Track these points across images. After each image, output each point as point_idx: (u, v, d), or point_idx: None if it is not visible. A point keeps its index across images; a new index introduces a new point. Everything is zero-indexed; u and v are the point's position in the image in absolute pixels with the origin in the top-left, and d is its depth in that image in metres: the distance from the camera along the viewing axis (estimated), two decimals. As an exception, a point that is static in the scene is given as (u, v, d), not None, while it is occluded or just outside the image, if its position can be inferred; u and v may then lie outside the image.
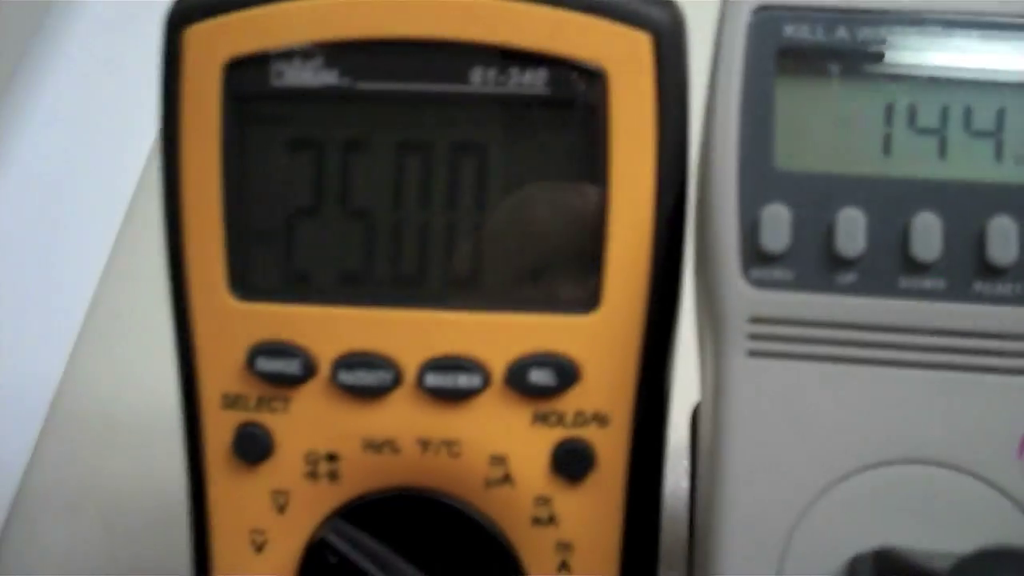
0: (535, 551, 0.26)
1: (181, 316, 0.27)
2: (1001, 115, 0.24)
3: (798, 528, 0.23)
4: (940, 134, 0.24)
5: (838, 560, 0.23)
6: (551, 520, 0.26)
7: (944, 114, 0.24)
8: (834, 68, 0.24)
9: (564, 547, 0.26)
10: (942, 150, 0.24)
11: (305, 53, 0.25)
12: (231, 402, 0.27)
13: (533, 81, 0.25)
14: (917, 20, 0.24)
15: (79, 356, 0.42)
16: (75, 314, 0.43)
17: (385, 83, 0.25)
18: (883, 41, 0.24)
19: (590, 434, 0.26)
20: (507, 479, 0.26)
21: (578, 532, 0.26)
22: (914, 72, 0.24)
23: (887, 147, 0.24)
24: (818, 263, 0.23)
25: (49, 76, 0.49)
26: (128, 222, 0.46)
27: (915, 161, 0.24)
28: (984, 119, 0.24)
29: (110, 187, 0.47)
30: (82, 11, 0.51)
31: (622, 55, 0.25)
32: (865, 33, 0.24)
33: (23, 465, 0.40)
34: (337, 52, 0.25)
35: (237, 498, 0.27)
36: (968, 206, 0.23)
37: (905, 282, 0.23)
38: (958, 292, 0.23)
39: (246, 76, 0.26)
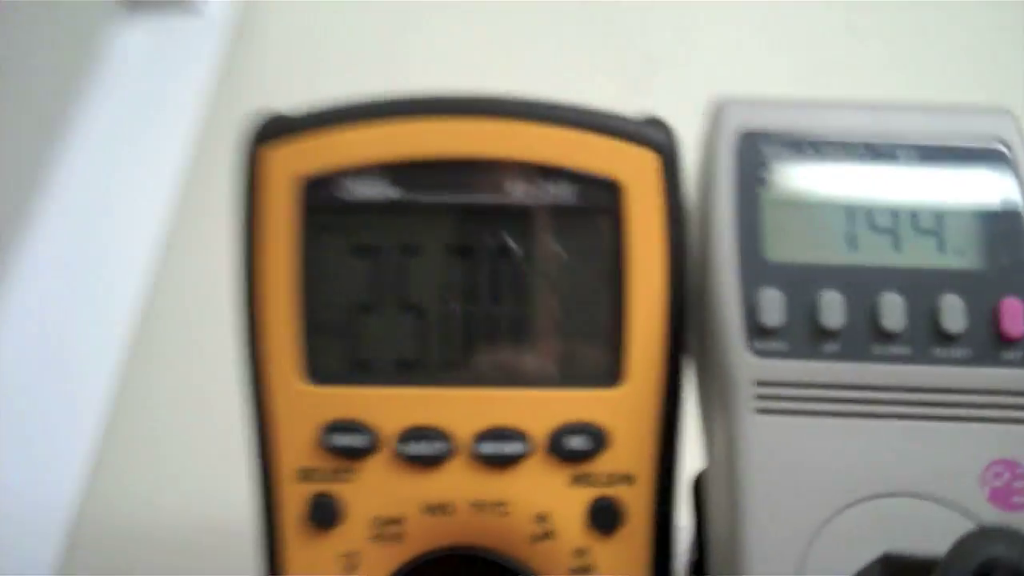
0: (574, 597, 0.30)
1: (257, 400, 0.31)
2: (940, 218, 0.30)
3: (809, 552, 0.28)
4: (893, 232, 0.30)
5: (846, 572, 0.27)
6: (588, 570, 0.30)
7: (895, 216, 0.30)
8: (806, 179, 0.30)
9: (599, 592, 0.30)
10: (896, 244, 0.30)
11: (368, 171, 0.30)
12: (305, 475, 0.30)
13: (561, 192, 0.30)
14: (871, 144, 0.30)
15: (100, 474, 0.45)
16: (94, 430, 0.46)
17: (436, 195, 0.30)
18: (844, 161, 0.30)
19: (620, 492, 0.30)
20: (549, 534, 0.30)
21: (611, 578, 0.30)
22: (869, 185, 0.30)
23: (853, 244, 0.30)
24: (807, 335, 0.29)
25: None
26: (145, 326, 0.49)
27: (876, 252, 0.29)
28: (927, 220, 0.30)
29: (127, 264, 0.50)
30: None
31: (635, 170, 0.30)
32: (829, 153, 0.30)
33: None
34: (396, 170, 0.30)
35: (310, 562, 0.30)
36: (923, 287, 0.29)
37: (878, 349, 0.29)
38: (920, 356, 0.29)
39: (318, 191, 0.30)
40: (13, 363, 0.47)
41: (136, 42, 0.61)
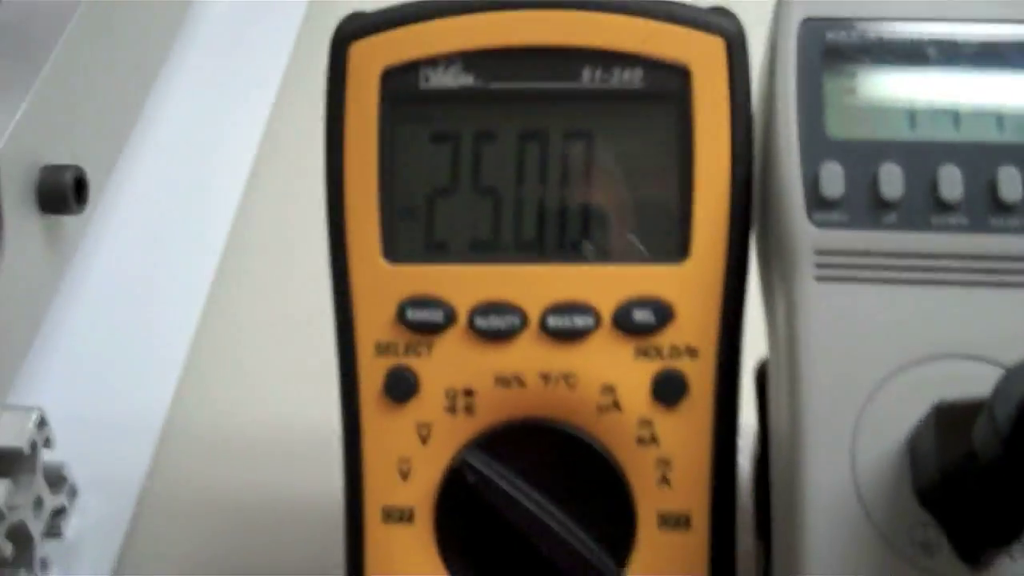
0: (639, 468, 0.31)
1: (341, 279, 0.32)
2: (1001, 97, 0.31)
3: (865, 411, 0.28)
4: (954, 111, 0.31)
5: (901, 431, 0.28)
6: (652, 440, 0.31)
7: (956, 96, 0.31)
8: (867, 61, 0.31)
9: (664, 463, 0.31)
10: (956, 122, 0.30)
11: (447, 60, 0.32)
12: (383, 349, 0.32)
13: (632, 78, 0.31)
14: (929, 23, 0.31)
15: (186, 383, 0.47)
16: (182, 342, 0.48)
17: (510, 83, 0.32)
18: (904, 41, 0.31)
19: (683, 365, 0.31)
20: (615, 405, 0.31)
21: (675, 450, 0.31)
22: (929, 63, 0.31)
23: (912, 121, 0.31)
24: (866, 207, 0.30)
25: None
26: (231, 244, 0.51)
27: (935, 129, 0.30)
28: (989, 97, 0.31)
29: (218, 198, 0.53)
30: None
31: (702, 55, 0.31)
32: (890, 35, 0.31)
33: (141, 481, 0.44)
34: (472, 58, 0.32)
35: (386, 432, 0.32)
36: (981, 159, 0.30)
37: (936, 219, 0.29)
38: (978, 226, 0.29)
39: (399, 81, 0.32)
40: (111, 282, 0.50)
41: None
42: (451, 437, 0.32)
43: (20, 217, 0.41)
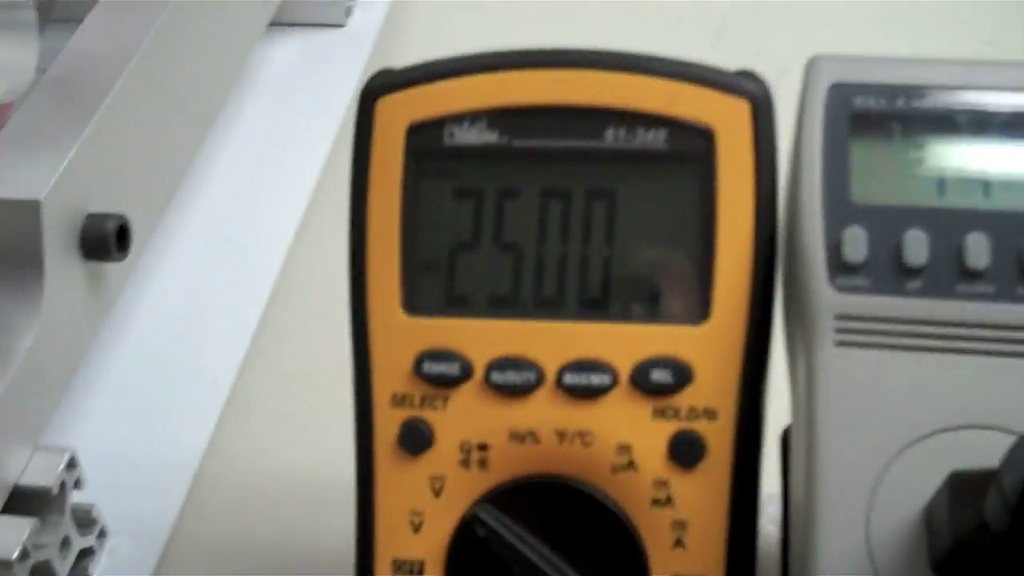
0: (653, 529, 0.31)
1: (360, 330, 0.32)
2: (1033, 165, 0.30)
3: (882, 481, 0.28)
4: (984, 180, 0.30)
5: (919, 501, 0.27)
6: (668, 501, 0.31)
7: (986, 165, 0.30)
8: (896, 128, 0.31)
9: (679, 525, 0.31)
10: (986, 190, 0.30)
11: (472, 117, 0.32)
12: (399, 401, 0.32)
13: (655, 139, 0.31)
14: (959, 89, 0.31)
15: (222, 430, 0.48)
16: (221, 390, 0.49)
17: (534, 141, 0.32)
18: (934, 108, 0.31)
19: (701, 427, 0.31)
20: (631, 465, 0.31)
21: (691, 512, 0.31)
22: (961, 131, 0.30)
23: (941, 188, 0.30)
24: (890, 273, 0.29)
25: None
26: (273, 302, 0.52)
27: (964, 197, 0.30)
28: (1020, 166, 0.30)
29: (266, 249, 0.54)
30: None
31: (727, 118, 0.31)
32: (919, 102, 0.31)
33: (171, 524, 0.45)
34: (497, 116, 0.32)
35: (400, 484, 0.32)
36: (1010, 228, 0.29)
37: (961, 287, 0.29)
38: (1005, 295, 0.29)
39: (424, 137, 0.32)
40: (155, 327, 0.51)
41: (284, 53, 0.66)
42: (464, 491, 0.32)
43: (62, 263, 0.42)
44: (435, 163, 0.32)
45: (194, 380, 0.49)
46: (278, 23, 0.67)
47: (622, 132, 0.32)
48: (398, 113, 0.32)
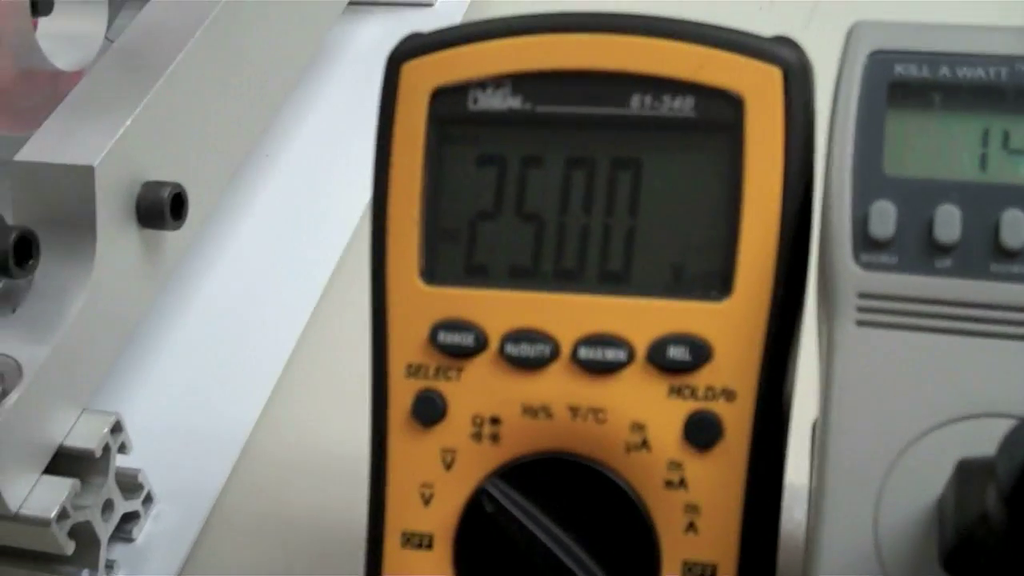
0: (666, 512, 0.30)
1: (379, 299, 0.32)
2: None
3: (894, 469, 0.26)
4: (1027, 153, 0.28)
5: (932, 494, 0.26)
6: (681, 483, 0.30)
7: (1031, 137, 0.28)
8: (936, 98, 0.29)
9: (692, 509, 0.30)
10: (1030, 165, 0.28)
11: (496, 83, 0.31)
12: (414, 371, 0.31)
13: (682, 106, 0.30)
14: (1007, 61, 0.29)
15: (274, 404, 0.48)
16: (276, 364, 0.49)
17: (559, 107, 0.31)
18: (979, 78, 0.29)
19: (719, 407, 0.30)
20: (644, 444, 0.30)
21: (705, 496, 0.29)
22: (1007, 102, 0.29)
23: (983, 164, 0.28)
24: (919, 250, 0.27)
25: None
26: (335, 280, 0.52)
27: (1004, 172, 0.28)
28: (1069, 142, 0.28)
29: (332, 229, 0.54)
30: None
31: (757, 85, 0.30)
32: (964, 71, 0.29)
33: (217, 493, 0.45)
34: (521, 81, 0.31)
35: (411, 455, 0.31)
36: (1052, 205, 0.27)
37: (995, 267, 0.27)
38: (1043, 275, 0.27)
39: (447, 102, 0.32)
40: (214, 298, 0.52)
41: (368, 33, 0.66)
42: (475, 465, 0.31)
43: (116, 229, 0.42)
44: (458, 129, 0.32)
45: (251, 352, 0.50)
46: (363, 2, 0.67)
47: (648, 99, 0.30)
48: (423, 78, 0.32)
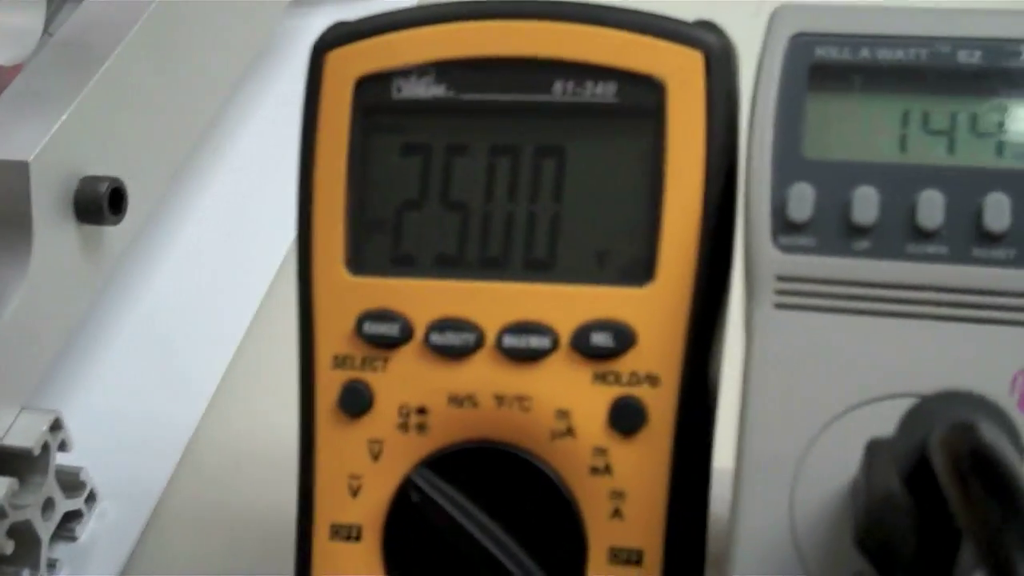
0: (591, 498, 0.30)
1: (305, 290, 0.32)
2: (1002, 120, 0.28)
3: (811, 450, 0.26)
4: (949, 135, 0.28)
5: (847, 474, 0.26)
6: (607, 470, 0.29)
7: (953, 119, 0.28)
8: (857, 80, 0.29)
9: (617, 495, 0.29)
10: (951, 147, 0.28)
11: (420, 71, 0.31)
12: (340, 362, 0.31)
13: (604, 92, 0.30)
14: (927, 42, 0.29)
15: (218, 400, 0.47)
16: (220, 360, 0.49)
17: (483, 95, 0.31)
18: (899, 59, 0.29)
19: (643, 393, 0.29)
20: (569, 431, 0.30)
21: (630, 481, 0.29)
22: (925, 85, 0.28)
23: (903, 145, 0.28)
24: (837, 232, 0.27)
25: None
26: (280, 276, 0.52)
27: (924, 153, 0.28)
28: (988, 123, 0.28)
29: (279, 223, 0.54)
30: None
31: (678, 69, 0.30)
32: (884, 53, 0.29)
33: (161, 490, 0.45)
34: (445, 69, 0.31)
35: (339, 446, 0.31)
36: (968, 185, 0.27)
37: (912, 248, 0.27)
38: (959, 256, 0.27)
39: (372, 91, 0.31)
40: (157, 295, 0.52)
41: (316, 25, 0.65)
42: (403, 455, 0.31)
43: (53, 224, 0.42)
44: (383, 118, 0.32)
45: (195, 348, 0.49)
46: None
47: (571, 85, 0.30)
48: (347, 66, 0.32)
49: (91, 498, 0.43)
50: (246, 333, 0.50)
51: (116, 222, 0.44)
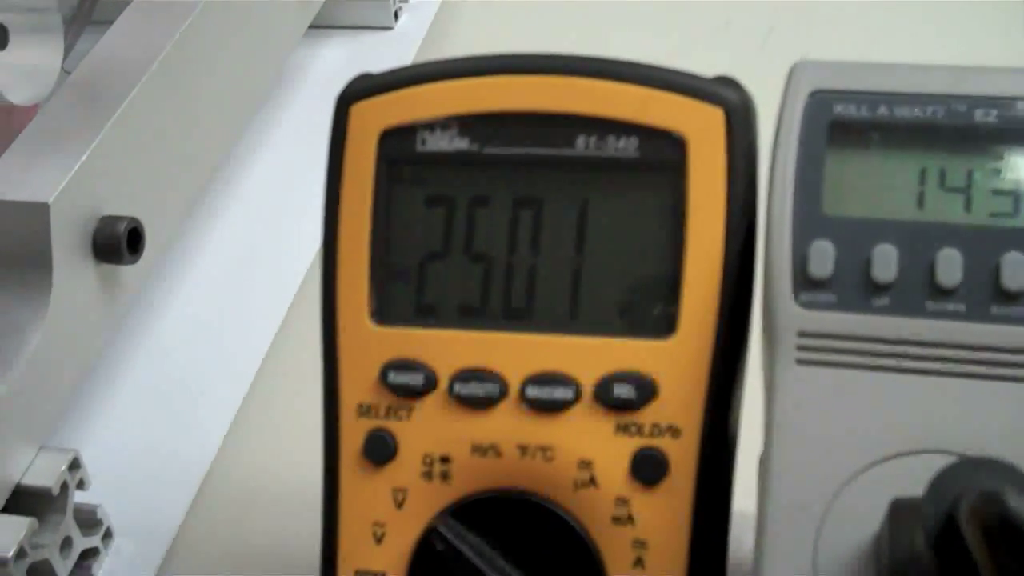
0: (614, 548, 0.30)
1: (329, 339, 0.32)
2: (1018, 178, 0.29)
3: (833, 506, 0.27)
4: (966, 192, 0.29)
5: (869, 532, 0.26)
6: (629, 519, 0.30)
7: (969, 177, 0.29)
8: (875, 138, 0.29)
9: (639, 544, 0.30)
10: (967, 205, 0.29)
11: (443, 124, 0.32)
12: (365, 411, 0.32)
13: (627, 146, 0.31)
14: (944, 100, 0.29)
15: (233, 438, 0.48)
16: (235, 398, 0.49)
17: (506, 148, 0.31)
18: (917, 117, 0.29)
19: (665, 444, 0.30)
20: (592, 481, 0.30)
21: (652, 531, 0.30)
22: (943, 141, 0.29)
23: (920, 202, 0.29)
24: (857, 289, 0.28)
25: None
26: (293, 312, 0.52)
27: (942, 211, 0.28)
28: (1006, 180, 0.29)
29: (292, 258, 0.54)
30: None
31: (699, 126, 0.30)
32: (902, 111, 0.29)
33: (176, 527, 0.45)
34: (469, 123, 0.31)
35: (363, 494, 0.32)
36: (986, 244, 0.28)
37: (931, 305, 0.28)
38: (977, 314, 0.27)
39: (396, 143, 0.32)
40: (172, 332, 0.52)
41: (329, 56, 0.66)
42: (426, 503, 0.31)
43: (72, 264, 0.42)
44: (407, 170, 0.32)
45: (210, 386, 0.50)
46: (323, 25, 0.67)
47: (593, 140, 0.31)
48: (371, 119, 0.32)
49: (107, 536, 0.44)
50: (259, 369, 0.50)
51: (134, 261, 0.44)
